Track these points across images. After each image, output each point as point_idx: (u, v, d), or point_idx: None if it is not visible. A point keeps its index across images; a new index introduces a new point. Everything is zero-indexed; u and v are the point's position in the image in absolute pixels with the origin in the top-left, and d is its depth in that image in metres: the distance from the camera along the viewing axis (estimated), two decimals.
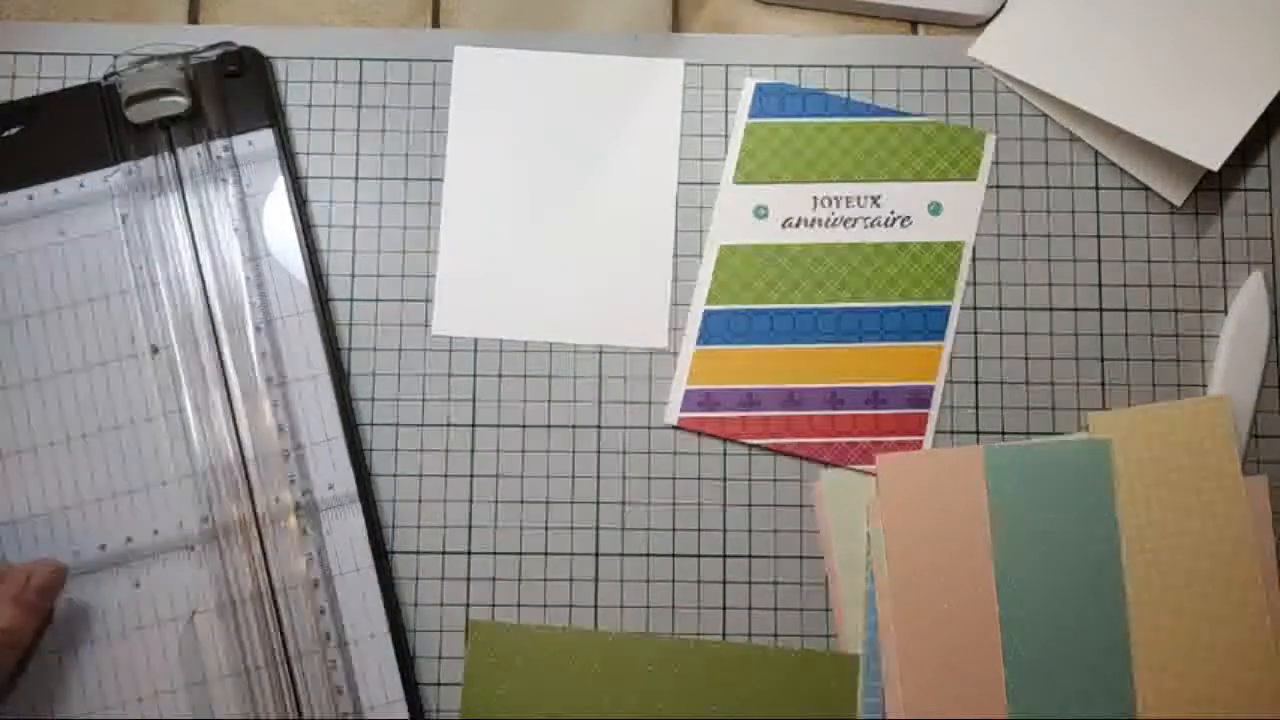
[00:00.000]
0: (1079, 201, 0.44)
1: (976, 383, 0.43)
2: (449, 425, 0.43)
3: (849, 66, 0.45)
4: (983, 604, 0.41)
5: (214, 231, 0.42)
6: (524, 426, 0.43)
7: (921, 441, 0.43)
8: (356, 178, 0.44)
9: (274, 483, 0.40)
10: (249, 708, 0.40)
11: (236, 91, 0.43)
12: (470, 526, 0.42)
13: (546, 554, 0.42)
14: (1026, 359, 0.43)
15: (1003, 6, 0.45)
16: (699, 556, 0.42)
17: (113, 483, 0.41)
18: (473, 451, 0.43)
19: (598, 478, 0.43)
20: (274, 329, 0.42)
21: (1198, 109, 0.42)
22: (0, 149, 0.42)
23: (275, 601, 0.40)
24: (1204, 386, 0.43)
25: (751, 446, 0.43)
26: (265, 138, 0.43)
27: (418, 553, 0.42)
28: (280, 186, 0.43)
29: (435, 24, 0.46)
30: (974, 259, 0.44)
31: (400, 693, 0.40)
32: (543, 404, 0.43)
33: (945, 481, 0.42)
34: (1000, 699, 0.40)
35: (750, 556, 0.42)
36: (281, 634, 0.40)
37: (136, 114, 0.42)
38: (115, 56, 0.43)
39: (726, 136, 0.44)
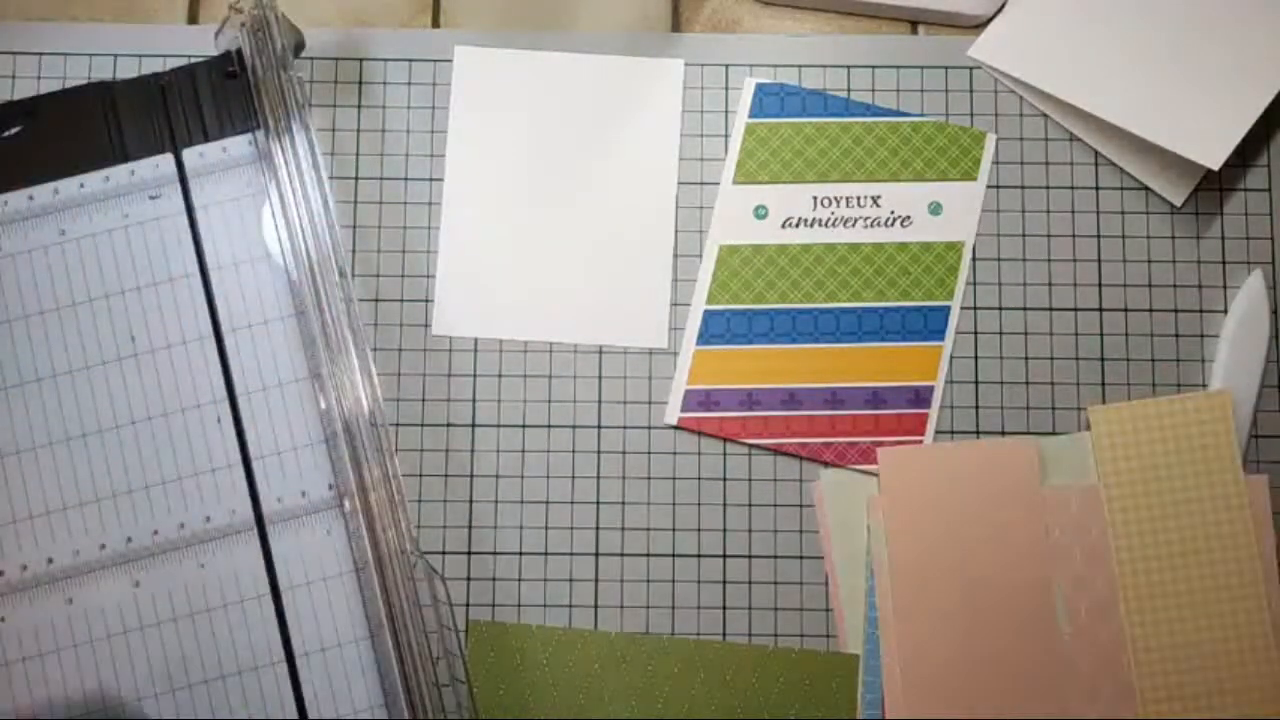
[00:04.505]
0: (1079, 201, 0.44)
1: (976, 383, 0.43)
2: (449, 425, 0.43)
3: (849, 66, 0.45)
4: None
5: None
6: (524, 426, 0.43)
7: (921, 441, 0.43)
8: (356, 178, 0.44)
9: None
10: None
11: (236, 91, 0.43)
12: (470, 526, 0.42)
13: (546, 554, 0.42)
14: (1026, 359, 0.43)
15: (1003, 6, 0.45)
16: (699, 556, 0.42)
17: (112, 482, 0.41)
18: (473, 451, 0.43)
19: (598, 478, 0.43)
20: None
21: (1198, 109, 0.42)
22: (0, 149, 0.42)
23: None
24: (1204, 386, 0.43)
25: (751, 446, 0.43)
26: (265, 138, 0.43)
27: None
28: None
29: (435, 24, 0.46)
30: (974, 259, 0.44)
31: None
32: (543, 404, 0.43)
33: (947, 477, 0.42)
34: (1000, 699, 0.40)
35: (750, 556, 0.42)
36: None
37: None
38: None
39: (726, 136, 0.44)
